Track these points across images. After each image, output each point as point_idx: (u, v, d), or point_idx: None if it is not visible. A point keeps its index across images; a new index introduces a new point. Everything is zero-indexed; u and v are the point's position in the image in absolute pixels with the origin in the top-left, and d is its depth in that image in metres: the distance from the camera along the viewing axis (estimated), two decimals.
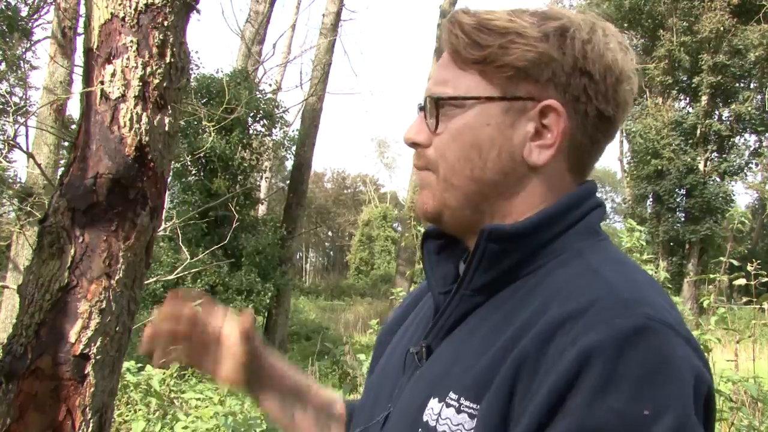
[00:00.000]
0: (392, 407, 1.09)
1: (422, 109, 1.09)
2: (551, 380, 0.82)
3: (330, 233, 66.90)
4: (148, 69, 1.98)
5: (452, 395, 0.94)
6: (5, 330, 9.81)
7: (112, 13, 1.96)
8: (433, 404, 0.96)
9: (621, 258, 1.02)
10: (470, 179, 1.03)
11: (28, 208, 8.66)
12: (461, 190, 1.04)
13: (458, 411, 0.92)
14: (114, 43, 1.96)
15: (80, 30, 10.02)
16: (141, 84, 1.97)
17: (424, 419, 0.96)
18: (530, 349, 0.87)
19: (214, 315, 1.39)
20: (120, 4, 1.96)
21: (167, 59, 2.01)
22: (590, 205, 1.07)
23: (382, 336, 1.38)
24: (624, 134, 32.98)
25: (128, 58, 1.96)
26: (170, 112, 2.04)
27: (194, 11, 2.10)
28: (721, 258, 4.36)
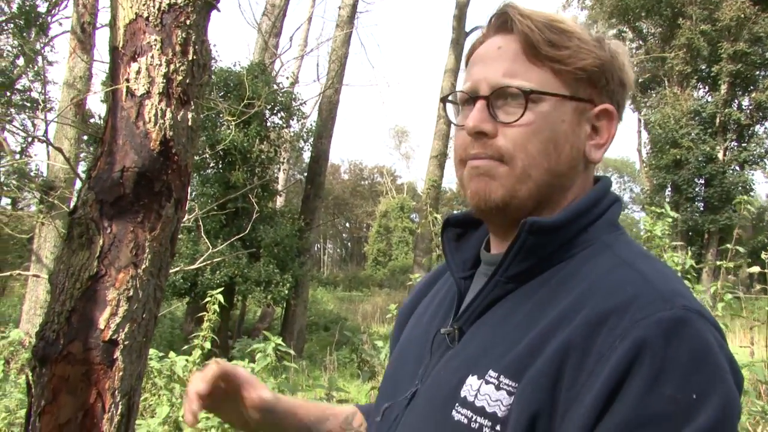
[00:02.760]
0: (419, 385, 1.16)
1: (481, 98, 1.12)
2: (606, 372, 0.89)
3: (347, 224, 67.02)
4: (172, 66, 2.06)
5: (492, 373, 1.01)
6: (29, 321, 9.98)
7: (136, 13, 2.04)
8: (472, 381, 1.03)
9: (646, 252, 1.11)
10: (547, 171, 1.10)
11: (51, 201, 8.80)
12: (536, 182, 1.10)
13: (497, 388, 0.99)
14: (139, 41, 2.04)
15: (99, 25, 10.13)
16: (165, 81, 2.05)
17: (462, 395, 1.03)
18: (576, 339, 0.94)
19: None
20: (144, 4, 2.04)
21: (190, 57, 2.09)
22: (610, 199, 1.15)
23: (400, 318, 1.45)
24: (642, 124, 32.86)
25: (152, 56, 2.04)
26: (193, 107, 2.12)
27: (215, 9, 2.17)
28: (728, 245, 4.39)
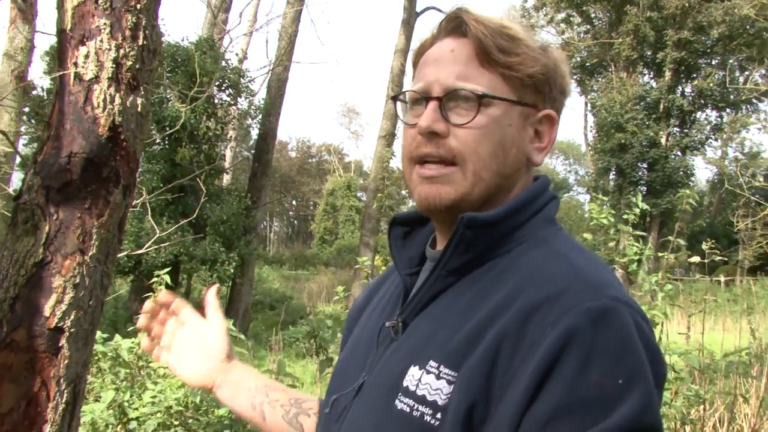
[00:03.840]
0: (366, 376, 1.20)
1: (433, 99, 1.15)
2: (536, 358, 0.94)
3: (294, 202, 66.73)
4: (121, 51, 2.02)
5: (432, 363, 1.05)
6: None
7: None
8: (414, 371, 1.07)
9: (580, 246, 1.15)
10: (495, 173, 1.15)
11: None
12: (486, 183, 1.14)
13: (437, 377, 1.03)
14: (87, 25, 2.00)
15: None
16: (114, 66, 2.01)
17: (404, 384, 1.07)
18: (510, 327, 0.99)
19: (192, 316, 1.63)
20: None
21: (140, 42, 2.06)
22: (547, 197, 1.21)
23: (350, 317, 1.50)
24: (589, 108, 33.31)
25: (101, 41, 2.00)
26: (142, 93, 2.09)
27: None
28: (669, 238, 4.51)
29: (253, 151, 18.72)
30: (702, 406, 4.59)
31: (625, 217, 4.46)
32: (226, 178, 21.63)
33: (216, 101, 15.76)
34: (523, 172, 1.19)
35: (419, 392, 1.04)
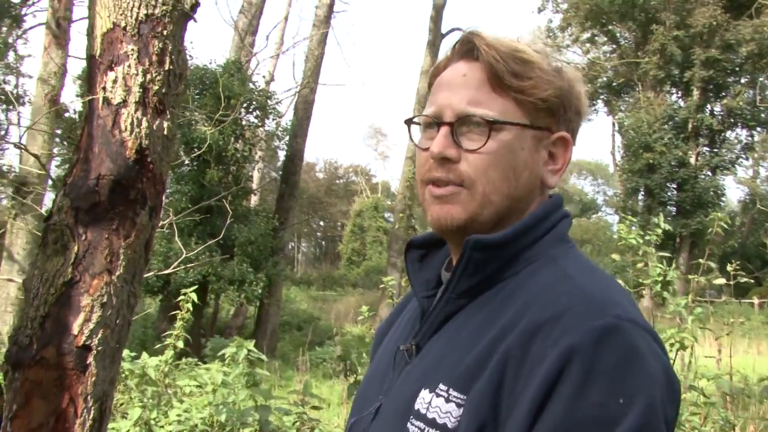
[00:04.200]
0: (383, 399, 1.21)
1: (445, 124, 1.16)
2: (538, 378, 0.94)
3: (322, 223, 66.84)
4: (148, 76, 2.08)
5: (442, 386, 1.06)
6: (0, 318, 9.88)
7: (114, 23, 2.07)
8: (424, 394, 1.08)
9: (590, 264, 1.15)
10: (506, 196, 1.15)
11: (23, 197, 8.73)
12: (496, 206, 1.15)
13: (447, 400, 1.04)
14: (116, 51, 2.07)
15: (75, 19, 10.04)
16: (141, 90, 2.07)
17: (416, 407, 1.08)
18: (515, 348, 1.00)
19: None
20: (122, 14, 2.06)
21: (166, 66, 2.12)
22: (559, 215, 1.20)
23: (375, 341, 1.52)
24: (616, 128, 33.14)
25: (129, 66, 2.07)
26: (168, 116, 2.15)
27: (191, 20, 2.20)
28: (700, 260, 4.46)
29: (280, 173, 18.84)
30: None
31: (647, 237, 4.43)
32: (254, 199, 21.78)
33: (243, 123, 15.89)
34: (536, 194, 1.19)
35: (429, 415, 1.05)
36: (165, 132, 2.14)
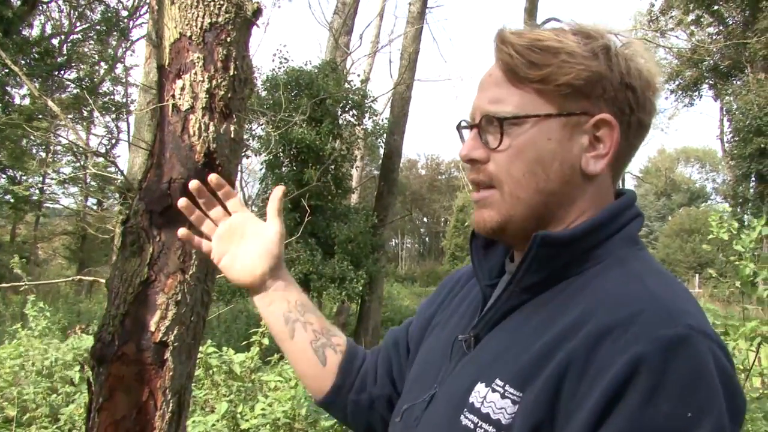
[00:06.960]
0: (438, 388, 1.22)
1: (474, 126, 1.17)
2: (604, 384, 0.92)
3: (425, 219, 66.98)
4: (214, 82, 2.17)
5: (498, 382, 1.05)
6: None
7: (180, 33, 2.16)
8: (480, 388, 1.08)
9: (660, 269, 1.11)
10: (536, 191, 1.12)
11: (129, 202, 9.13)
12: (527, 203, 1.12)
13: (503, 396, 1.03)
14: (183, 59, 2.16)
15: None
16: (207, 96, 2.16)
17: (470, 401, 1.08)
18: (579, 351, 0.97)
19: (242, 209, 1.60)
20: (187, 24, 2.15)
21: (231, 72, 2.20)
22: (631, 214, 1.16)
23: (418, 318, 1.52)
24: (724, 112, 31.87)
25: (195, 73, 2.15)
26: (235, 120, 2.23)
27: (254, 26, 2.27)
28: None
29: (379, 170, 18.99)
30: None
31: (743, 237, 4.19)
32: (354, 198, 22.04)
33: (341, 122, 16.11)
34: (578, 184, 1.13)
35: (484, 410, 1.04)
36: (232, 135, 2.22)
